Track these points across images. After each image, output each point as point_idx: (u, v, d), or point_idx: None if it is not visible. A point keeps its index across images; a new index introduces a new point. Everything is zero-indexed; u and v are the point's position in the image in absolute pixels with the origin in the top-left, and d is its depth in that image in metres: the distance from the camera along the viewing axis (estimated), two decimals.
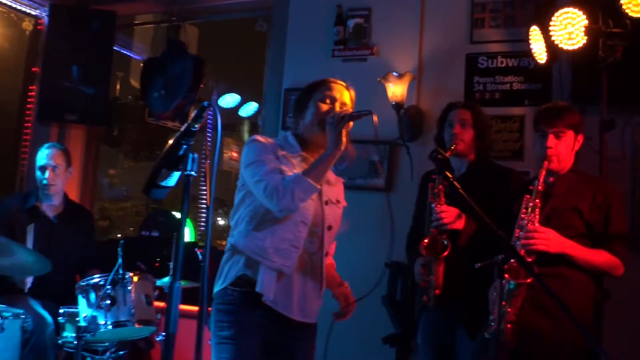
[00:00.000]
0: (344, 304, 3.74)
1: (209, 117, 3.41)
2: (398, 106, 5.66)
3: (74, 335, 4.66)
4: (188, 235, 7.88)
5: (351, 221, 5.81)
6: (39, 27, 7.67)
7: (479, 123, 4.42)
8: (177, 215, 7.41)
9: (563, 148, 3.85)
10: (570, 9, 4.50)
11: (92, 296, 4.76)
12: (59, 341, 4.89)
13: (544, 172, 3.78)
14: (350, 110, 3.58)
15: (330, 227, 3.62)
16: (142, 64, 7.63)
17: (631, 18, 4.27)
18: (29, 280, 5.22)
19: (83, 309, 4.76)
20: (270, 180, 3.35)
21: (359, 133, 5.90)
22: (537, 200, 3.72)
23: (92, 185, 7.81)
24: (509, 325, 3.58)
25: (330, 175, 3.69)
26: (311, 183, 3.32)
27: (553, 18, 4.56)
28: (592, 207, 3.80)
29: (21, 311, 4.85)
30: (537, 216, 3.71)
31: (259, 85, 7.03)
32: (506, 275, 3.57)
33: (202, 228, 8.48)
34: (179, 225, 2.78)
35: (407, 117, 5.74)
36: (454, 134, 4.36)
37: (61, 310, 4.93)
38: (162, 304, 5.19)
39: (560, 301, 2.81)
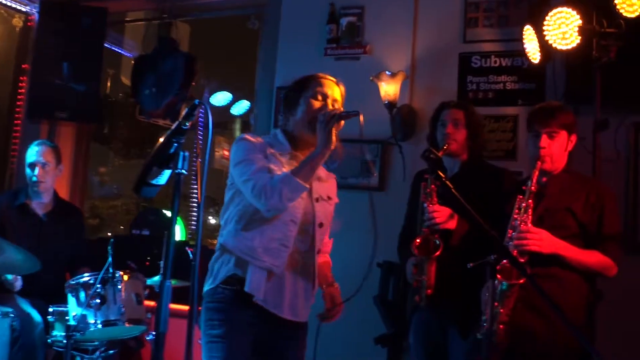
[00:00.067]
0: (330, 305, 3.73)
1: (200, 115, 3.39)
2: (391, 105, 5.66)
3: (63, 334, 4.66)
4: (179, 234, 7.88)
5: (343, 220, 5.84)
6: (29, 24, 7.65)
7: (472, 123, 4.42)
8: (168, 213, 7.40)
9: (556, 148, 3.85)
10: (564, 9, 4.50)
11: (82, 295, 4.76)
12: (49, 340, 4.89)
13: (537, 173, 3.78)
14: (341, 107, 3.59)
15: (321, 225, 3.60)
16: (133, 61, 7.63)
17: (625, 18, 4.28)
18: (19, 284, 5.18)
19: (73, 308, 4.76)
20: (259, 180, 3.34)
21: (350, 132, 5.91)
22: (529, 201, 3.71)
23: (82, 183, 7.79)
24: (501, 326, 3.58)
25: (321, 171, 3.69)
26: (300, 183, 3.30)
27: (547, 18, 4.56)
28: (585, 207, 3.80)
29: (10, 310, 4.85)
30: (530, 217, 3.71)
31: (251, 83, 7.02)
32: (499, 276, 3.56)
33: (193, 227, 8.47)
34: (170, 223, 2.77)
35: (400, 116, 5.75)
36: (446, 133, 4.36)
37: (51, 309, 4.93)
38: (152, 303, 5.18)
39: (553, 302, 2.82)
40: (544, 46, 4.74)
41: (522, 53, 5.19)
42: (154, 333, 4.70)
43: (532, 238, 3.63)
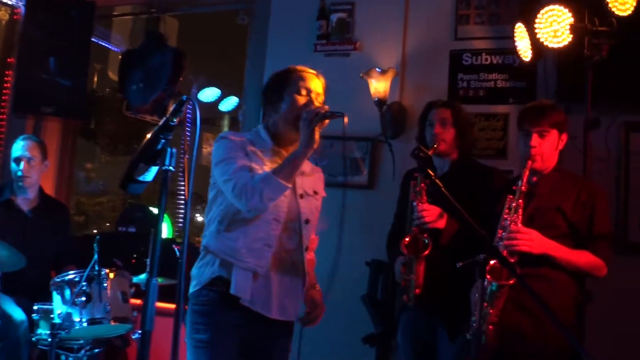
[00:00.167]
0: (309, 309, 3.68)
1: (188, 111, 3.37)
2: (381, 102, 5.67)
3: (48, 332, 4.65)
4: (165, 231, 7.87)
5: (332, 219, 5.85)
6: (15, 17, 7.62)
7: (460, 121, 4.43)
8: (155, 210, 7.40)
9: (547, 147, 3.85)
10: (556, 7, 4.51)
11: (67, 293, 4.75)
12: (33, 338, 4.87)
13: (527, 172, 3.78)
14: (323, 100, 3.57)
15: (307, 221, 3.58)
16: (120, 56, 7.60)
17: (617, 16, 4.28)
18: None
19: (58, 306, 4.74)
20: (239, 180, 3.32)
21: (339, 129, 5.90)
22: (520, 201, 3.72)
23: (68, 180, 7.77)
24: (490, 327, 3.58)
25: (306, 165, 3.66)
26: (281, 182, 3.28)
27: (538, 15, 4.57)
28: (575, 206, 3.81)
29: None
30: (520, 217, 3.71)
31: (240, 79, 7.02)
32: (488, 277, 3.57)
33: (180, 224, 8.47)
34: (157, 221, 2.77)
35: (390, 113, 5.75)
36: (434, 133, 4.37)
37: (35, 307, 4.91)
38: (138, 301, 5.18)
39: (542, 302, 2.83)
40: (536, 44, 4.75)
41: (513, 51, 5.19)
42: (139, 332, 4.71)
43: (522, 238, 3.64)
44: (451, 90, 5.75)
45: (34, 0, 7.06)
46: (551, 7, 4.54)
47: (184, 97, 2.84)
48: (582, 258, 3.73)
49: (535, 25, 4.59)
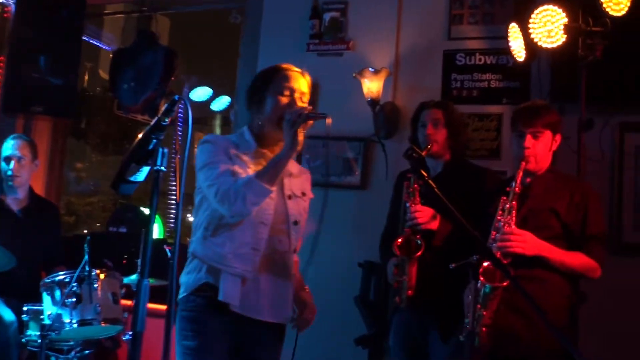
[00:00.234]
0: (300, 311, 3.67)
1: (180, 110, 3.35)
2: (374, 102, 5.67)
3: (38, 333, 4.64)
4: (157, 231, 7.86)
5: (324, 220, 5.85)
6: (5, 15, 7.59)
7: (452, 122, 4.43)
8: (146, 211, 7.39)
9: (540, 148, 3.86)
10: (550, 7, 4.53)
11: (57, 293, 4.75)
12: (23, 340, 4.86)
13: (521, 173, 3.79)
14: (309, 107, 3.49)
15: (296, 222, 3.56)
16: (111, 55, 7.60)
17: (611, 17, 4.30)
18: None
19: (48, 307, 4.74)
20: (222, 184, 3.30)
21: (332, 128, 5.91)
22: (513, 202, 3.73)
23: (58, 179, 7.75)
24: (484, 329, 3.59)
25: (293, 166, 3.66)
26: (264, 186, 3.26)
27: (532, 15, 4.59)
28: (569, 207, 3.82)
29: None
30: (514, 218, 3.72)
31: (232, 79, 7.01)
32: (482, 279, 3.58)
33: (171, 224, 8.47)
34: (148, 221, 2.77)
35: (383, 113, 5.76)
36: (427, 134, 4.37)
37: (25, 308, 4.91)
38: (129, 302, 5.17)
39: (536, 304, 2.83)
40: (529, 44, 4.76)
41: (507, 51, 5.21)
42: (130, 333, 4.69)
43: (516, 240, 3.64)
44: (444, 90, 5.75)
45: None
46: (545, 7, 4.55)
47: (176, 97, 2.83)
48: (576, 259, 3.74)
49: (529, 25, 4.61)
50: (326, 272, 5.42)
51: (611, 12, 4.29)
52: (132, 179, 2.83)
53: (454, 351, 3.96)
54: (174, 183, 7.97)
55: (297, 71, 3.58)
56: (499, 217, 3.74)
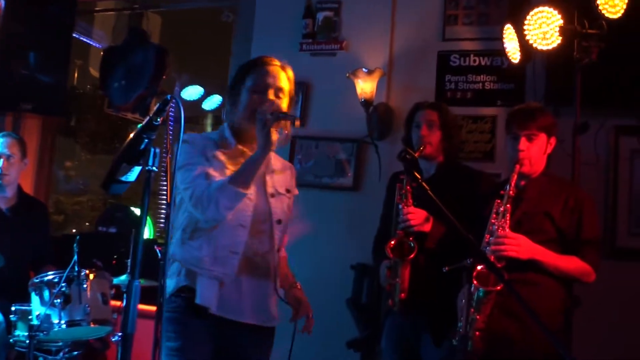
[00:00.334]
0: (297, 310, 3.59)
1: (171, 109, 3.30)
2: (367, 103, 5.67)
3: (26, 334, 4.62)
4: (147, 232, 7.85)
5: (317, 221, 5.86)
6: None
7: (447, 124, 4.44)
8: (136, 210, 7.39)
9: (535, 151, 3.87)
10: (545, 8, 4.53)
11: (46, 294, 4.73)
12: (10, 340, 4.84)
13: (515, 176, 3.80)
14: (280, 106, 3.41)
15: (280, 221, 3.49)
16: (102, 53, 7.60)
17: (607, 19, 4.30)
18: None
19: (36, 307, 4.73)
20: (196, 188, 3.25)
21: (325, 129, 5.95)
22: (507, 206, 3.74)
23: (47, 178, 7.73)
24: (477, 333, 3.60)
25: (276, 162, 3.61)
26: (238, 190, 3.21)
27: (527, 17, 4.59)
28: (564, 211, 3.83)
29: None
30: (508, 221, 3.73)
31: (224, 78, 7.01)
32: (475, 282, 3.59)
33: (162, 224, 8.46)
34: (138, 221, 2.77)
35: (376, 114, 5.76)
36: (421, 135, 4.37)
37: (13, 308, 4.89)
38: (118, 303, 5.17)
39: (530, 308, 2.84)
40: (524, 46, 4.77)
41: (502, 52, 5.22)
42: (119, 334, 4.69)
43: (510, 243, 3.65)
44: (438, 91, 5.76)
45: None
46: (541, 8, 4.56)
47: (168, 96, 2.83)
48: (570, 263, 3.75)
49: (525, 27, 4.62)
50: (318, 274, 5.42)
51: (607, 14, 4.29)
52: (123, 179, 2.82)
53: (447, 355, 3.97)
54: (164, 183, 7.98)
55: (276, 65, 3.50)
56: (492, 221, 3.75)
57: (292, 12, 6.30)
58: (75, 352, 5.10)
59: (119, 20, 7.75)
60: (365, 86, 5.66)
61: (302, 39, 6.22)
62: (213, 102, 8.72)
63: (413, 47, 5.90)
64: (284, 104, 3.43)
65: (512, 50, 5.02)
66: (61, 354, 4.97)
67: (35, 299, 4.76)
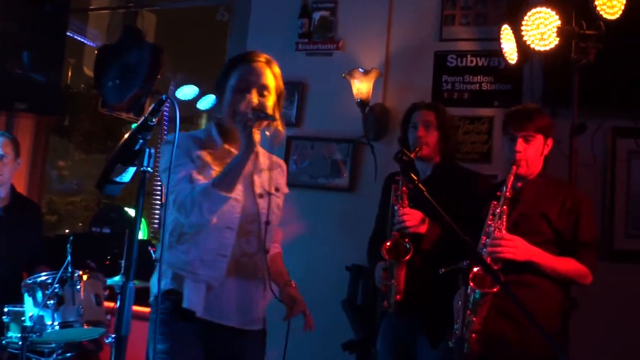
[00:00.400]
0: (291, 308, 3.48)
1: (165, 108, 3.25)
2: (363, 103, 5.68)
3: (18, 335, 4.62)
4: (141, 232, 7.85)
5: (312, 222, 5.87)
6: None
7: (444, 124, 4.44)
8: (130, 211, 7.39)
9: (532, 152, 3.87)
10: (543, 9, 4.55)
11: (39, 295, 4.73)
12: (3, 341, 4.83)
13: (512, 178, 3.80)
14: (259, 106, 3.30)
15: (268, 222, 3.40)
16: (96, 51, 7.59)
17: (605, 20, 4.31)
18: None
19: (29, 308, 4.72)
20: (180, 192, 3.19)
21: (321, 129, 5.96)
22: (504, 207, 3.74)
23: (40, 178, 7.72)
24: (473, 335, 3.60)
25: (265, 160, 3.54)
26: (221, 194, 3.13)
27: (525, 17, 4.61)
28: (561, 213, 3.83)
29: None
30: (504, 223, 3.73)
31: None
32: (472, 284, 3.59)
33: (156, 225, 8.45)
34: (133, 222, 2.76)
35: (373, 115, 5.77)
36: (418, 136, 4.38)
37: (6, 309, 4.87)
38: (112, 304, 5.16)
39: (526, 310, 2.85)
40: (522, 47, 4.78)
41: (499, 53, 5.24)
42: (113, 335, 4.70)
43: (507, 245, 3.65)
44: (435, 92, 5.77)
45: None
46: (538, 9, 4.57)
47: (163, 97, 2.82)
48: (567, 265, 3.75)
49: (522, 28, 4.63)
50: (314, 275, 5.43)
51: (605, 15, 4.30)
52: (117, 179, 2.82)
53: (443, 356, 3.98)
54: (159, 183, 7.98)
55: (261, 61, 3.41)
56: (489, 222, 3.75)
57: (288, 11, 6.32)
58: (69, 354, 5.10)
59: (114, 19, 7.75)
60: (362, 86, 5.67)
61: (298, 38, 6.24)
62: (208, 101, 8.71)
63: (410, 47, 5.91)
64: (269, 102, 3.36)
65: (510, 50, 5.03)
66: (54, 355, 4.97)
67: (28, 300, 4.76)
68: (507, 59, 5.09)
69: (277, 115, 3.37)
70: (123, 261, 5.18)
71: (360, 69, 5.67)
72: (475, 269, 3.58)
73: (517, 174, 3.85)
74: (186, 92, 8.55)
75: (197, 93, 8.60)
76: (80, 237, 6.36)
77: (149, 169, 2.74)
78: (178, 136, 3.20)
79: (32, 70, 6.75)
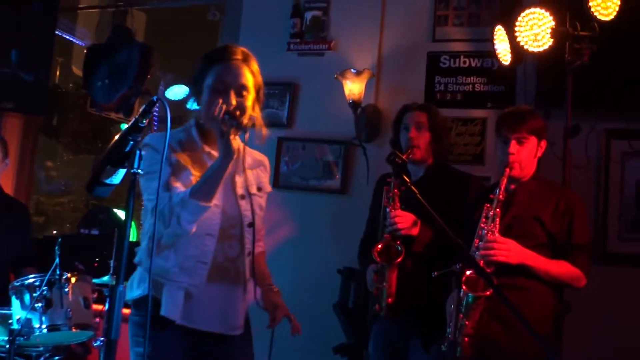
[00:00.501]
0: (273, 316, 3.44)
1: (155, 109, 3.19)
2: (355, 105, 5.69)
3: (6, 338, 4.60)
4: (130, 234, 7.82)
5: (303, 224, 5.87)
6: None
7: (436, 126, 4.44)
8: (119, 212, 7.38)
9: (525, 154, 3.88)
10: (537, 10, 4.56)
11: (27, 297, 4.71)
12: None
13: (505, 180, 3.81)
14: (249, 106, 3.24)
15: (251, 224, 3.33)
16: (85, 51, 7.59)
17: (600, 21, 4.32)
18: None
19: (16, 311, 4.70)
20: (158, 202, 3.04)
21: (312, 130, 5.96)
22: (497, 210, 3.75)
23: (28, 179, 7.72)
24: (466, 339, 3.61)
25: (247, 158, 3.43)
26: (199, 204, 3.06)
27: (519, 18, 4.61)
28: (554, 215, 3.84)
29: None
30: (497, 226, 3.74)
31: None
32: (464, 288, 3.60)
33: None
34: (123, 225, 2.75)
35: (365, 116, 5.78)
36: (409, 138, 4.38)
37: None
38: (100, 307, 5.16)
39: (519, 313, 2.86)
40: (515, 47, 4.78)
41: (492, 54, 5.24)
42: (101, 339, 4.68)
43: (500, 248, 3.66)
44: (428, 93, 5.78)
45: None
46: (532, 10, 4.58)
47: (154, 98, 2.82)
48: (561, 269, 3.76)
49: (516, 29, 4.63)
50: (304, 279, 5.44)
51: (599, 17, 4.30)
52: (107, 181, 2.82)
53: None
54: None
55: (238, 59, 3.31)
56: (482, 225, 3.75)
57: (279, 11, 6.31)
58: (57, 357, 5.08)
59: (103, 18, 7.75)
60: (354, 87, 5.67)
61: (289, 38, 6.23)
62: (181, 91, 8.68)
63: (402, 48, 5.92)
64: (248, 101, 3.26)
65: (503, 51, 5.04)
66: (42, 359, 4.95)
67: (15, 302, 4.74)
68: (501, 60, 5.09)
69: (258, 113, 3.32)
70: (112, 261, 5.18)
71: (352, 70, 5.68)
72: (468, 272, 3.59)
73: (510, 176, 3.85)
74: (176, 92, 8.53)
75: (187, 93, 8.57)
76: (68, 239, 6.33)
77: (139, 170, 2.73)
78: (156, 137, 3.23)
79: (20, 69, 6.74)
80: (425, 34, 5.88)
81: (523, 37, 4.61)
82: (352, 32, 6.06)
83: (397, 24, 5.96)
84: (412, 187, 3.15)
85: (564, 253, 3.79)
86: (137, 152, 2.75)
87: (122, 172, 2.81)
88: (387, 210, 4.17)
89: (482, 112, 5.62)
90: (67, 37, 8.47)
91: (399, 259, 4.07)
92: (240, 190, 3.35)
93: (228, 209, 3.29)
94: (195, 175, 3.22)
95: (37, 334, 4.59)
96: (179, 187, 3.17)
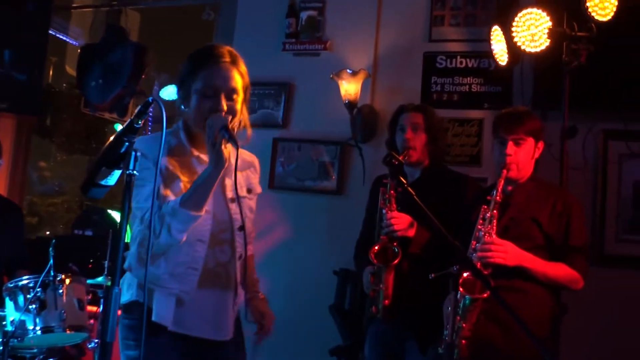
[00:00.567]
0: (260, 323, 3.44)
1: (151, 108, 3.15)
2: (351, 105, 5.69)
3: (0, 340, 4.62)
4: (125, 236, 7.81)
5: (299, 225, 5.87)
6: None
7: (432, 126, 4.43)
8: (113, 213, 7.38)
9: (523, 156, 3.88)
10: (534, 10, 4.56)
11: (21, 299, 4.71)
12: None
13: (502, 181, 3.81)
14: (238, 109, 3.20)
15: (242, 228, 3.28)
16: (79, 50, 7.58)
17: (597, 22, 4.32)
18: None
19: (10, 313, 4.70)
20: (147, 211, 3.06)
21: (308, 131, 5.96)
22: (494, 211, 3.75)
23: (21, 179, 7.71)
24: (463, 341, 3.61)
25: (233, 159, 3.25)
26: (189, 214, 3.02)
27: (516, 18, 4.61)
28: (551, 217, 3.84)
29: None
30: (495, 227, 3.74)
31: None
32: (461, 290, 3.60)
33: None
34: (118, 226, 2.74)
35: (361, 116, 5.78)
36: (405, 139, 4.37)
37: None
38: (94, 309, 5.15)
39: (516, 315, 2.86)
40: (512, 48, 4.78)
41: (489, 54, 5.22)
42: (96, 340, 4.69)
43: (497, 250, 3.66)
44: (424, 93, 5.78)
45: None
46: (529, 10, 4.58)
47: (150, 99, 2.81)
48: (558, 271, 3.76)
49: (513, 29, 4.63)
50: (300, 280, 5.44)
51: (597, 17, 4.30)
52: (102, 182, 2.81)
53: None
54: None
55: (226, 61, 3.22)
56: (479, 227, 3.75)
57: (275, 10, 6.32)
58: (51, 359, 5.09)
59: (97, 17, 7.74)
60: (350, 87, 5.67)
61: (285, 38, 6.23)
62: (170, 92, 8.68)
63: (399, 48, 5.92)
64: (238, 104, 3.22)
65: (500, 52, 5.03)
66: None
67: (9, 304, 4.74)
68: (497, 60, 5.08)
69: (245, 114, 3.29)
70: (106, 262, 5.17)
71: (348, 70, 5.68)
72: (465, 274, 3.59)
73: (507, 177, 3.85)
74: (170, 92, 8.51)
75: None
76: (62, 240, 6.33)
77: (134, 172, 2.73)
78: (146, 142, 3.16)
79: (13, 69, 6.74)
80: (422, 34, 5.89)
81: (520, 37, 4.61)
82: (348, 32, 6.07)
83: (393, 24, 5.97)
84: (409, 189, 3.15)
85: (561, 255, 3.79)
86: (133, 153, 2.74)
87: (117, 174, 2.80)
88: (384, 211, 4.16)
89: (478, 112, 5.63)
90: (61, 37, 8.47)
91: (396, 261, 4.07)
92: (230, 194, 3.31)
93: (218, 213, 3.26)
94: (184, 180, 3.19)
95: (31, 335, 4.59)
96: (169, 195, 3.14)
